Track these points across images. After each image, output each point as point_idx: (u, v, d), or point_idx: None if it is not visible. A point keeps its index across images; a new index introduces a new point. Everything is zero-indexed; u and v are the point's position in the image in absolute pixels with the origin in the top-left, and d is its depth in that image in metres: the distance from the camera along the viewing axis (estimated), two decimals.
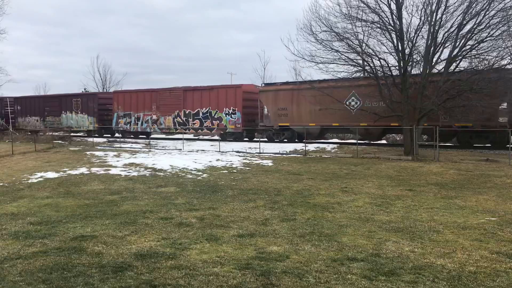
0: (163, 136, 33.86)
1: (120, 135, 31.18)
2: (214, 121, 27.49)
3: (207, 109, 27.69)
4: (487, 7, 15.73)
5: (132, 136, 31.46)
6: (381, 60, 17.88)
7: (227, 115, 26.92)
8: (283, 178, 12.51)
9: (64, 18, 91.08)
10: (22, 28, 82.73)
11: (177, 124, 29.02)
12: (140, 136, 31.66)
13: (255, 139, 27.51)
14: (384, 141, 25.44)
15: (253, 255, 5.72)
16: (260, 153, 20.13)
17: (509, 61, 16.51)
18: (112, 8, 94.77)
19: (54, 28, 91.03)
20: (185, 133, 29.33)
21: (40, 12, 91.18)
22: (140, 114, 30.75)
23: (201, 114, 27.98)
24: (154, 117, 30.06)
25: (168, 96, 29.49)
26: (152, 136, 33.52)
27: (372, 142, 24.14)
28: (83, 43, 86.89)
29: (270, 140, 25.89)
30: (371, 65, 18.13)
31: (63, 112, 35.22)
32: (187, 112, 28.56)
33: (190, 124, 28.37)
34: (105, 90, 50.26)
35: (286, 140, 25.41)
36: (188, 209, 8.47)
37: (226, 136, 27.28)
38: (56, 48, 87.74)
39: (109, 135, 33.25)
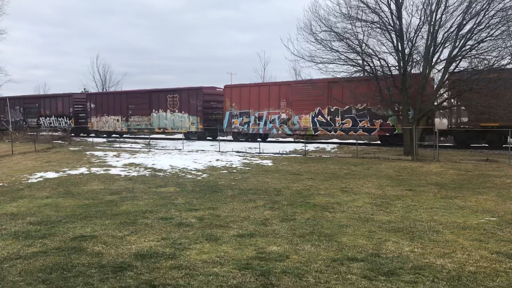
0: (229, 138, 29.13)
1: (232, 138, 27.45)
2: (374, 121, 22.42)
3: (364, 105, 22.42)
4: (486, 7, 15.74)
5: (249, 139, 26.40)
6: (381, 60, 17.91)
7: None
8: (283, 178, 12.51)
9: (64, 18, 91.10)
10: (23, 28, 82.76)
11: (317, 124, 23.93)
12: (257, 139, 26.32)
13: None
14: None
15: (253, 255, 5.72)
16: (260, 153, 20.12)
17: (509, 61, 16.51)
18: (113, 8, 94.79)
19: (55, 28, 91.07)
20: (328, 137, 25.18)
21: (40, 12, 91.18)
22: (263, 113, 25.56)
23: (353, 111, 22.89)
24: (284, 116, 24.85)
25: (306, 90, 24.08)
26: (153, 136, 33.05)
27: (371, 142, 24.16)
28: (83, 43, 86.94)
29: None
30: (371, 65, 18.14)
31: (153, 110, 30.16)
32: (332, 110, 23.43)
33: (337, 125, 23.31)
34: (104, 90, 50.17)
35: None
36: (188, 209, 8.47)
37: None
38: (56, 48, 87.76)
39: (210, 138, 28.93)
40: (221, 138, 26.34)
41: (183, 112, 28.76)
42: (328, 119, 23.62)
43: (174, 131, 29.49)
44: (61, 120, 35.19)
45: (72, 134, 33.09)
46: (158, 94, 30.00)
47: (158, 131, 30.30)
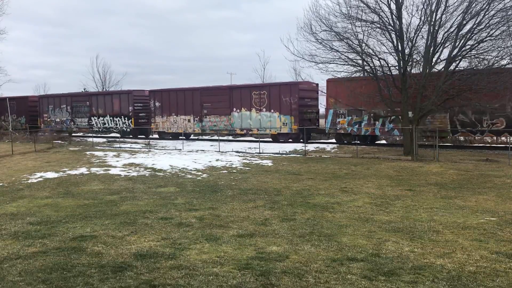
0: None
1: (335, 140, 24.34)
2: None
3: None
4: (486, 7, 15.74)
5: (358, 142, 22.42)
6: (381, 60, 17.91)
7: None
8: (282, 178, 12.51)
9: (65, 18, 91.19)
10: (23, 28, 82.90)
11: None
12: (377, 142, 23.81)
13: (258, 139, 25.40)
14: (384, 141, 25.44)
15: (252, 255, 5.71)
16: (259, 153, 20.12)
17: (509, 61, 16.51)
18: (113, 9, 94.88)
19: (55, 28, 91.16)
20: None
21: (41, 12, 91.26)
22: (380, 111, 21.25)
23: None
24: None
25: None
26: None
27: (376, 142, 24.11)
28: (83, 43, 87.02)
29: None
30: (371, 65, 18.15)
31: (234, 109, 26.78)
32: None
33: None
34: (104, 90, 50.08)
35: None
36: (188, 209, 8.46)
37: None
38: (56, 48, 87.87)
39: (299, 140, 24.93)
40: (221, 138, 25.83)
41: (272, 111, 25.49)
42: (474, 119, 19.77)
43: (260, 133, 25.63)
44: (118, 121, 31.49)
45: (131, 136, 31.16)
46: (240, 90, 26.74)
47: (240, 132, 27.00)
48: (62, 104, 35.05)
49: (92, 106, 33.14)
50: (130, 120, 31.02)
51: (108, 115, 32.17)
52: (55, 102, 35.44)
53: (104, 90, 33.69)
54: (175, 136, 29.25)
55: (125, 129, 31.15)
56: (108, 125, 32.04)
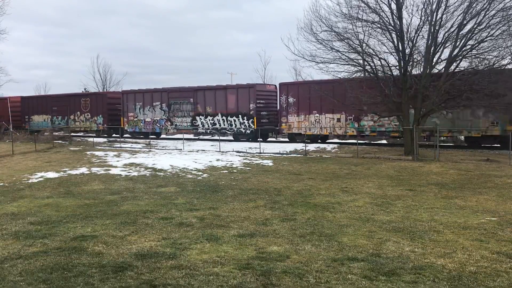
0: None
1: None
2: None
3: None
4: (487, 7, 15.73)
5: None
6: (381, 60, 17.90)
7: None
8: (283, 178, 12.51)
9: (66, 18, 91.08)
10: (25, 28, 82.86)
11: None
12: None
13: (258, 139, 24.96)
14: (384, 141, 25.43)
15: (253, 255, 5.72)
16: (260, 153, 20.12)
17: (510, 60, 16.51)
18: (114, 9, 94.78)
19: (57, 28, 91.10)
20: None
21: (42, 12, 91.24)
22: None
23: None
24: None
25: None
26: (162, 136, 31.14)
27: (373, 142, 24.11)
28: (84, 43, 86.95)
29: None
30: (372, 65, 18.13)
31: None
32: None
33: None
34: (105, 90, 50.06)
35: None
36: (189, 209, 8.47)
37: None
38: (58, 48, 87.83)
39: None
40: (222, 138, 25.52)
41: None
42: None
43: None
44: (234, 121, 26.29)
45: (249, 139, 25.93)
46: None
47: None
48: (155, 101, 29.44)
49: (197, 103, 27.60)
50: (251, 120, 25.57)
51: (219, 114, 26.76)
52: (145, 98, 29.94)
53: (218, 84, 27.22)
54: (314, 139, 24.61)
55: (243, 131, 26.01)
56: (220, 125, 26.72)
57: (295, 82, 26.69)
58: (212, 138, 29.50)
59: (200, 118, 27.50)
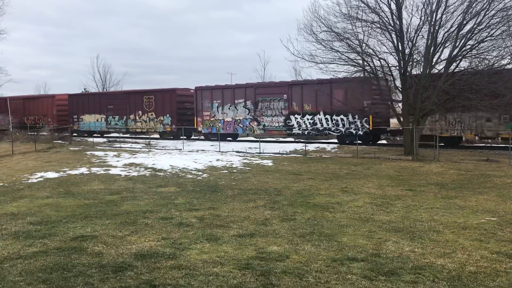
0: None
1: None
2: None
3: None
4: (487, 7, 15.74)
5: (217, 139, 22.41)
6: (381, 60, 17.92)
7: None
8: (283, 178, 12.51)
9: (67, 18, 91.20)
10: (26, 28, 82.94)
11: None
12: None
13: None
14: (384, 141, 25.42)
15: (253, 255, 5.72)
16: (260, 153, 20.12)
17: (509, 60, 16.52)
18: (115, 9, 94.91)
19: (57, 28, 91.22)
20: None
21: (43, 12, 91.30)
22: None
23: None
24: None
25: None
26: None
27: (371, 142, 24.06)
28: (85, 44, 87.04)
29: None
30: (371, 65, 18.15)
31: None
32: None
33: None
34: (105, 90, 49.98)
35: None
36: (188, 209, 8.47)
37: None
38: (58, 48, 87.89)
39: None
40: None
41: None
42: None
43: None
44: (342, 120, 22.78)
45: (359, 142, 21.83)
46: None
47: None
48: (237, 98, 26.14)
49: (292, 99, 24.20)
50: (365, 120, 22.06)
51: (321, 112, 23.38)
52: (224, 95, 26.67)
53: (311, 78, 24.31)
54: (447, 142, 20.99)
55: (353, 132, 22.38)
56: (322, 125, 23.38)
57: None
58: (212, 138, 29.22)
59: (296, 117, 24.14)
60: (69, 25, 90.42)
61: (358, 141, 21.66)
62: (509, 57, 16.44)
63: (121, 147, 24.19)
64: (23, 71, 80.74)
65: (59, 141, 27.38)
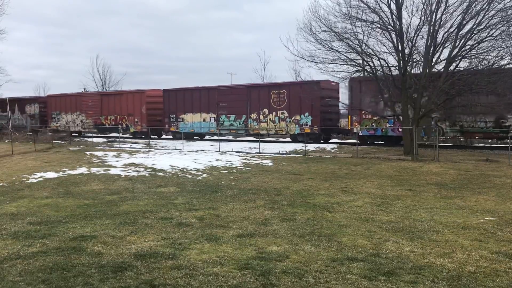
0: None
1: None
2: None
3: None
4: (486, 7, 15.75)
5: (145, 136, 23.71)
6: (381, 60, 17.92)
7: None
8: (283, 178, 12.51)
9: (67, 18, 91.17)
10: (26, 28, 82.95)
11: None
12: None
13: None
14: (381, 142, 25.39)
15: (253, 255, 5.71)
16: (260, 153, 20.12)
17: (509, 60, 16.52)
18: (115, 9, 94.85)
19: (57, 28, 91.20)
20: None
21: (43, 13, 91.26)
22: None
23: None
24: None
25: None
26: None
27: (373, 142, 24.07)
28: (85, 44, 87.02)
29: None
30: (371, 65, 18.15)
31: None
32: None
33: None
34: (105, 90, 50.00)
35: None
36: (188, 209, 8.46)
37: None
38: (58, 48, 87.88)
39: None
40: (221, 138, 23.89)
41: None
42: None
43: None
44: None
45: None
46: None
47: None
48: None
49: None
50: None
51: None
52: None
53: None
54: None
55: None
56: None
57: None
58: (212, 138, 29.20)
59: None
60: (69, 25, 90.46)
61: (352, 141, 21.81)
62: (508, 57, 16.45)
63: (120, 147, 24.18)
64: (23, 71, 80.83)
65: (59, 141, 27.38)
